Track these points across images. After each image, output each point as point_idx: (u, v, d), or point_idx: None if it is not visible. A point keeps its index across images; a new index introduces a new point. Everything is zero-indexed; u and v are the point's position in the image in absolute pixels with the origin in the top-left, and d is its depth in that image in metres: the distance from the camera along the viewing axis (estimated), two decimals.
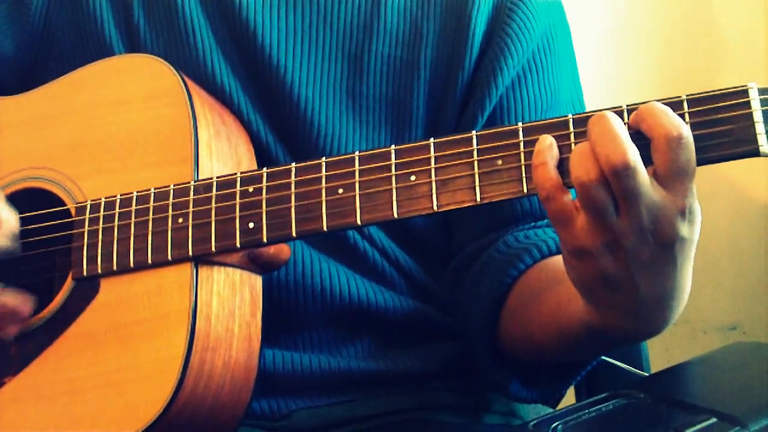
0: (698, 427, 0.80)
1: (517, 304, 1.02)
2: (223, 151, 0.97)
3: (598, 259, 0.79)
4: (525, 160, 0.82)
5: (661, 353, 2.06)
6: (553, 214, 0.81)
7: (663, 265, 0.80)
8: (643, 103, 0.80)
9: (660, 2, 2.22)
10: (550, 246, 1.02)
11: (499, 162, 0.83)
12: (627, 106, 0.80)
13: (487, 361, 1.05)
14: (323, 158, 0.89)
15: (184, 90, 0.97)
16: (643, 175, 0.76)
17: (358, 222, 0.87)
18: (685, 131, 0.76)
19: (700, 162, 0.77)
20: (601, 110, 0.81)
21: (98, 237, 0.95)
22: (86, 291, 0.94)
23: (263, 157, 1.04)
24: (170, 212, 0.92)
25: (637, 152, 0.76)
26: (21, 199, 1.00)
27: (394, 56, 1.06)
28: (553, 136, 0.81)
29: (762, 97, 0.76)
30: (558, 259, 0.97)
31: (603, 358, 1.10)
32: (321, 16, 1.06)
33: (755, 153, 0.76)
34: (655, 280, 0.81)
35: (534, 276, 1.01)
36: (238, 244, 0.90)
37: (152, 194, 0.94)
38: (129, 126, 0.98)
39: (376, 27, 1.06)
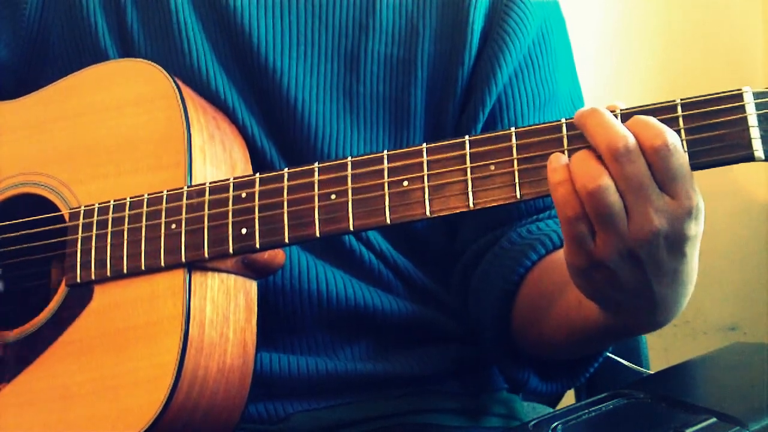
0: (698, 427, 0.79)
1: (527, 304, 1.02)
2: (217, 155, 0.97)
3: (615, 270, 0.79)
4: (518, 166, 0.82)
5: (661, 353, 2.05)
6: (573, 236, 0.79)
7: (676, 265, 0.80)
8: (638, 107, 0.79)
9: (660, 3, 2.21)
10: (554, 239, 1.02)
11: (492, 167, 0.83)
12: (621, 110, 0.80)
13: (504, 359, 1.05)
14: (316, 163, 0.89)
15: (178, 94, 0.96)
16: (643, 160, 0.76)
17: (351, 228, 0.86)
18: (669, 137, 0.76)
19: (695, 167, 0.77)
20: None
21: (92, 243, 0.95)
22: (80, 297, 0.94)
23: (259, 160, 1.03)
24: (163, 218, 0.92)
25: (635, 140, 0.76)
26: (17, 205, 1.00)
27: (391, 55, 1.06)
28: (547, 140, 0.81)
29: (757, 101, 0.76)
30: (561, 255, 0.97)
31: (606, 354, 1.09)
32: (315, 16, 1.06)
33: (750, 158, 0.76)
34: (669, 279, 0.81)
35: (539, 276, 1.01)
36: (230, 251, 0.90)
37: (145, 200, 0.93)
38: (123, 131, 0.98)
39: (371, 25, 1.06)
